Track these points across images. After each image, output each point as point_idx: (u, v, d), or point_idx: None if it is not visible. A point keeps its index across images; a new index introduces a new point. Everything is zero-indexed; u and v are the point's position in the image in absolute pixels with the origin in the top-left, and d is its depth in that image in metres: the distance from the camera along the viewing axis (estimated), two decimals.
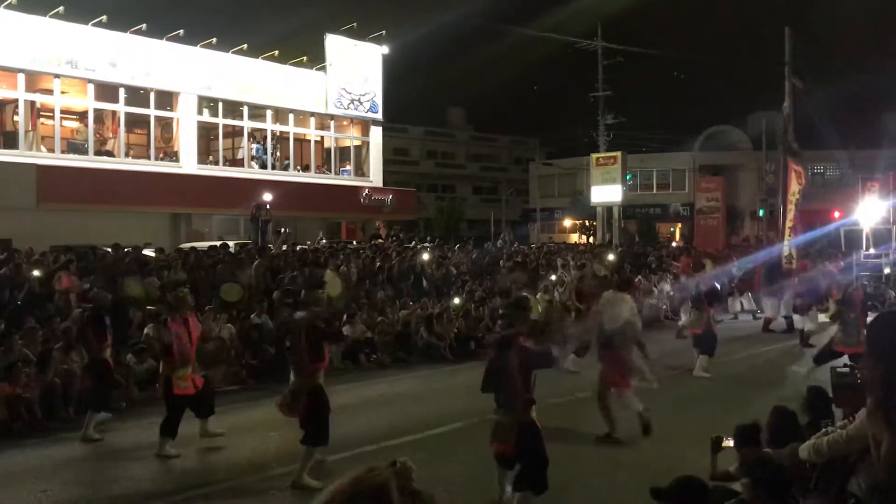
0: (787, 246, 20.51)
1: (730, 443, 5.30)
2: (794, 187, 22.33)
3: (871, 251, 26.14)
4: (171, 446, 8.68)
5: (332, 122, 31.08)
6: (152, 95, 25.69)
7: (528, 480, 6.22)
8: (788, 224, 21.24)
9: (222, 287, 12.37)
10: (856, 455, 4.25)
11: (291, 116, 29.73)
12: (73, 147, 24.72)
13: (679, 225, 50.51)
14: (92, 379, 9.79)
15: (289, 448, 8.75)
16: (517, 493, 6.25)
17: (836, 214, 31.87)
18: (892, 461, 3.35)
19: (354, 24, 30.97)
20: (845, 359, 10.57)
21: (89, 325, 10.14)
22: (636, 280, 22.63)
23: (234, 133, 29.24)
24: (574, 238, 49.35)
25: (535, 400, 6.40)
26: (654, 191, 50.67)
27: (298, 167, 30.29)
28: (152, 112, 25.86)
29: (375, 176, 32.68)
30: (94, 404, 9.64)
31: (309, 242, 24.99)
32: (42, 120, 24.68)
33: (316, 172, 30.79)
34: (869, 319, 6.42)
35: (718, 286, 16.47)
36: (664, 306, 21.54)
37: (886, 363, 3.54)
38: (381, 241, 27.50)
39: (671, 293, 21.53)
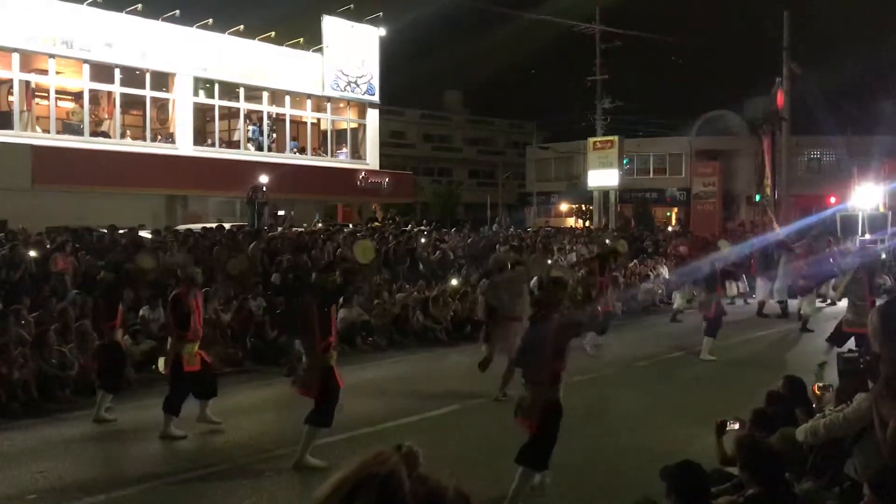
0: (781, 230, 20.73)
1: (735, 426, 5.32)
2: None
3: (867, 237, 26.20)
4: (175, 426, 8.64)
5: (328, 105, 30.96)
6: (148, 76, 25.54)
7: (532, 456, 6.29)
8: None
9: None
10: (852, 438, 4.28)
11: (288, 98, 29.60)
12: (69, 128, 24.60)
13: (675, 210, 50.52)
14: (103, 360, 9.73)
15: (286, 430, 8.78)
16: (519, 467, 6.30)
17: (833, 200, 31.92)
18: None
19: (351, 5, 30.80)
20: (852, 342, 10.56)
21: (99, 305, 10.06)
22: (632, 264, 22.75)
23: (230, 115, 29.11)
24: (570, 222, 49.35)
25: (562, 372, 6.45)
26: (651, 175, 50.61)
27: (296, 150, 30.19)
28: (148, 93, 25.73)
29: (372, 159, 32.61)
30: (106, 385, 9.53)
31: (305, 225, 24.98)
32: (37, 100, 24.52)
33: (312, 155, 30.70)
34: (879, 303, 6.43)
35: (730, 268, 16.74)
36: (660, 290, 21.57)
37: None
38: (377, 224, 27.49)
39: (668, 277, 21.56)
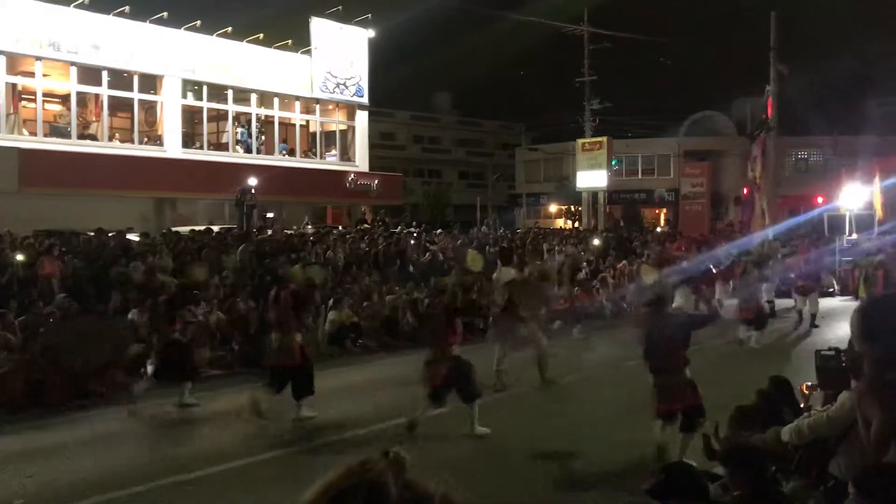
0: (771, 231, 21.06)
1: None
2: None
3: (854, 236, 26.38)
4: (308, 407, 9.36)
5: (317, 107, 30.91)
6: (136, 78, 25.44)
7: (689, 425, 7.44)
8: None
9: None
10: (836, 437, 4.31)
11: (276, 100, 29.54)
12: (56, 130, 24.47)
13: (664, 210, 50.69)
14: (172, 356, 10.28)
15: (277, 432, 8.78)
16: (682, 434, 7.49)
17: (820, 200, 32.10)
18: (883, 440, 3.39)
19: (340, 7, 30.74)
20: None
21: (164, 309, 10.68)
22: (621, 264, 22.83)
23: (218, 117, 29.02)
24: (560, 223, 49.42)
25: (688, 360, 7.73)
26: (640, 176, 50.73)
27: (285, 153, 30.13)
28: (136, 95, 25.62)
29: (361, 160, 32.56)
30: (183, 376, 10.21)
31: (296, 227, 24.95)
32: (24, 103, 24.38)
33: (301, 157, 30.65)
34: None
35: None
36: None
37: (881, 346, 3.59)
38: (367, 226, 27.47)
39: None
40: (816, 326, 16.95)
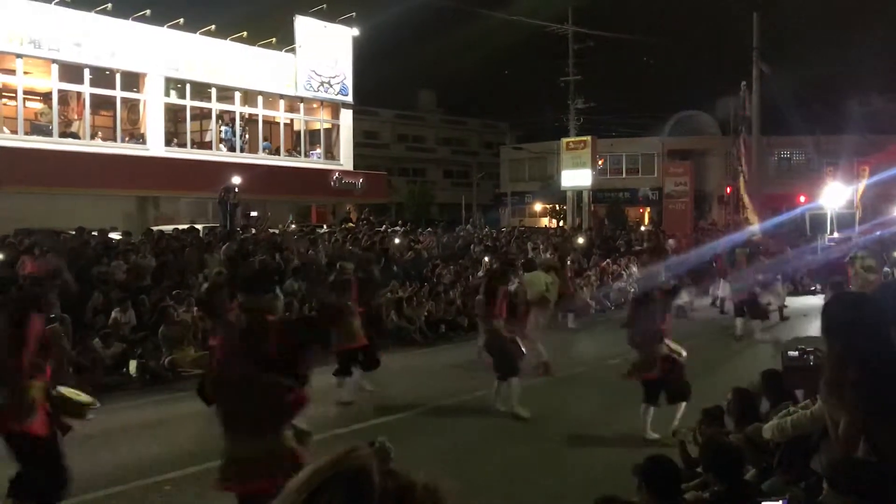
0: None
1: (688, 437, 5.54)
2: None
3: (836, 235, 26.59)
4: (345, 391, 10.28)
5: (301, 105, 30.82)
6: (118, 76, 25.25)
7: (679, 396, 8.38)
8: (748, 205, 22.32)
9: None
10: (818, 434, 4.34)
11: (260, 98, 29.42)
12: (37, 129, 24.25)
13: (648, 209, 50.92)
14: None
15: None
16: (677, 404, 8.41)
17: (802, 199, 32.35)
18: (850, 439, 3.42)
19: (324, 5, 30.65)
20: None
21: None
22: (605, 263, 22.94)
23: (202, 115, 28.85)
24: (545, 222, 49.53)
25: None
26: (624, 175, 50.98)
27: (269, 151, 30.02)
28: (118, 93, 25.43)
29: (346, 159, 32.50)
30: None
31: (281, 226, 24.87)
32: (4, 101, 24.15)
33: (285, 155, 30.55)
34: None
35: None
36: (632, 289, 21.75)
37: (839, 343, 3.61)
38: (351, 224, 27.42)
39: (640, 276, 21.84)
40: (786, 318, 17.90)
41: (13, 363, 5.74)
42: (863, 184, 28.76)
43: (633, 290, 21.79)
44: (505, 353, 9.58)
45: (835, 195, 28.48)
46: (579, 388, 11.49)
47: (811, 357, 5.30)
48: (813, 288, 22.75)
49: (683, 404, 8.39)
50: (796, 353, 5.52)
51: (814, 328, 12.29)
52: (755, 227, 27.94)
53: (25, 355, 5.77)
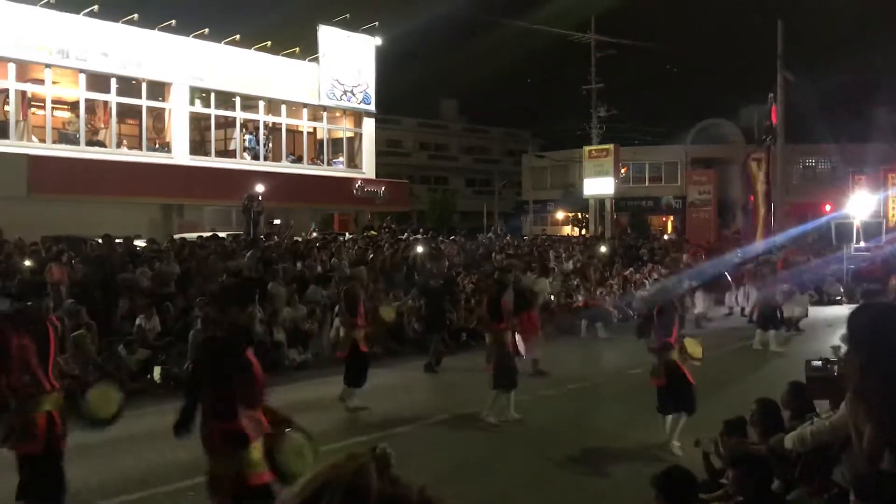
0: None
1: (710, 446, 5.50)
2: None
3: (862, 244, 26.31)
4: (358, 398, 10.39)
5: (324, 114, 31.03)
6: (144, 86, 25.59)
7: (688, 406, 8.31)
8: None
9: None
10: (839, 445, 4.31)
11: (284, 107, 29.66)
12: (65, 137, 24.60)
13: (671, 218, 50.61)
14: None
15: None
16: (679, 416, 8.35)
17: (828, 208, 32.04)
18: (874, 450, 3.39)
19: (347, 15, 30.89)
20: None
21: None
22: (628, 272, 22.83)
23: (226, 124, 29.15)
24: (567, 230, 49.38)
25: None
26: (647, 183, 50.73)
27: (290, 160, 30.22)
28: (144, 102, 25.77)
29: (368, 167, 32.66)
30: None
31: (304, 234, 25.01)
32: (33, 110, 24.52)
33: (308, 164, 30.75)
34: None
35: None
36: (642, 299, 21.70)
37: (865, 353, 3.59)
38: (373, 232, 27.51)
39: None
40: (801, 331, 17.66)
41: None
42: (891, 191, 28.45)
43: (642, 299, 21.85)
44: (505, 367, 9.56)
45: (861, 204, 28.18)
46: (597, 399, 11.44)
47: (834, 367, 5.27)
48: (838, 297, 22.53)
49: (684, 418, 8.28)
50: (819, 364, 5.49)
51: (836, 338, 12.20)
52: (759, 244, 27.48)
53: (10, 374, 5.70)
